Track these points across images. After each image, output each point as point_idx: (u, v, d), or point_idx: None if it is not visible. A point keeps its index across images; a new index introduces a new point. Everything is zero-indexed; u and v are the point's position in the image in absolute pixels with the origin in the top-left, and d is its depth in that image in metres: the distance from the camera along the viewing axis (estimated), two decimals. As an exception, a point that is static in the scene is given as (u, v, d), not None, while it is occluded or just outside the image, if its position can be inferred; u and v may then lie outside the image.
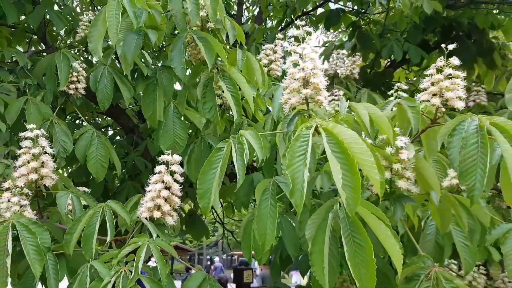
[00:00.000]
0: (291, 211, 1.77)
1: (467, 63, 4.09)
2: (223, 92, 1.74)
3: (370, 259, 1.02)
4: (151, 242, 1.41)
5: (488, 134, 1.09)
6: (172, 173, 1.51)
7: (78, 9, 4.27)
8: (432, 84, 1.32)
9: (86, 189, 2.04)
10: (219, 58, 1.71)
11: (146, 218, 1.52)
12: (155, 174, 1.54)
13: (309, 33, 1.32)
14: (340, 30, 4.36)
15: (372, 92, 3.06)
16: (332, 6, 4.22)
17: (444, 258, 1.42)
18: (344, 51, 3.37)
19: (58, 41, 3.58)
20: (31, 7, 2.87)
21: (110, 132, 4.64)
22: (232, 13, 5.71)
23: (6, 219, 1.45)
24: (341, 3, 3.77)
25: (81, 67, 2.64)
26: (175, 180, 1.53)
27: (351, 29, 3.91)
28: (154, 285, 1.37)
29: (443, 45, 1.40)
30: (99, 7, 4.49)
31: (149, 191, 1.53)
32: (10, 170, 1.82)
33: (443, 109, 1.30)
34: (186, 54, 1.90)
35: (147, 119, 1.89)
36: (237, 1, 5.33)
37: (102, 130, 4.60)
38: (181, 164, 2.07)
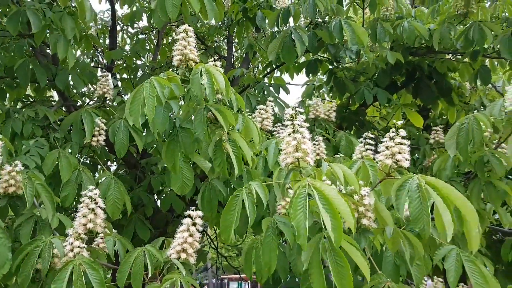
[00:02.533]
0: (281, 242, 2.27)
1: (430, 101, 4.72)
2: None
3: (348, 274, 1.54)
4: (182, 278, 1.88)
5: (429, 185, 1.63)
6: (194, 224, 2.00)
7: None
8: (386, 148, 1.86)
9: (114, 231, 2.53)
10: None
11: (175, 258, 2.01)
12: (182, 225, 2.01)
13: (299, 112, 1.85)
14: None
15: (348, 134, 3.62)
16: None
17: (399, 274, 1.94)
18: (320, 101, 3.93)
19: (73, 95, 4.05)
20: (55, 68, 3.36)
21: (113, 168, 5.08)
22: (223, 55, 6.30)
23: (72, 258, 1.92)
24: (320, 53, 4.36)
25: (102, 122, 3.12)
26: (197, 230, 2.01)
27: (328, 74, 4.50)
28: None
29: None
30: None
31: (178, 238, 2.01)
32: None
33: (395, 166, 1.84)
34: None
35: (169, 168, 2.37)
36: (227, 45, 5.93)
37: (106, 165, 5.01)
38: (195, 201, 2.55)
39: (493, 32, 3.65)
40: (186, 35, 2.36)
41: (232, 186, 2.89)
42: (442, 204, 1.53)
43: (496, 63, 4.55)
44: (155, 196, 4.54)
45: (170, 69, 4.63)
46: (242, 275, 7.51)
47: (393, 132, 1.87)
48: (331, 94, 4.97)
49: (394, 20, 4.18)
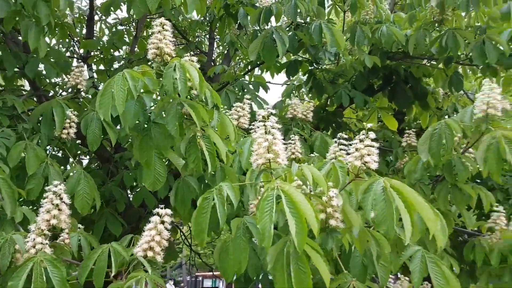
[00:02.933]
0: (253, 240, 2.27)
1: (405, 105, 4.81)
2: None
3: (308, 280, 1.56)
4: (147, 276, 1.86)
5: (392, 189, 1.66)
6: (163, 222, 1.98)
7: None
8: (356, 149, 1.88)
9: (81, 226, 2.49)
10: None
11: (141, 256, 1.99)
12: (150, 222, 1.99)
13: (272, 114, 1.86)
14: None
15: (323, 134, 3.65)
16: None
17: (366, 274, 1.97)
18: (298, 100, 3.96)
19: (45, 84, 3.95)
20: (25, 56, 3.27)
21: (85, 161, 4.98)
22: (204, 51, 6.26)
23: (33, 255, 1.87)
24: (300, 53, 4.39)
25: (74, 114, 3.05)
26: (165, 228, 1.99)
27: (307, 75, 4.53)
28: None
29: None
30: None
31: (145, 236, 1.98)
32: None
33: (364, 167, 1.86)
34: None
35: (143, 164, 2.34)
36: (208, 41, 5.89)
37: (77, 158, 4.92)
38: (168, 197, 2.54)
39: (466, 40, 3.74)
40: (162, 28, 2.33)
41: (206, 182, 2.88)
42: (403, 208, 1.57)
43: (468, 70, 4.66)
44: (128, 191, 4.48)
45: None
46: (216, 273, 7.51)
47: (363, 134, 1.89)
48: (310, 95, 5.01)
49: (373, 24, 4.24)
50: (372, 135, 1.88)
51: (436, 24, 4.12)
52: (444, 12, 3.97)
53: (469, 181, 3.16)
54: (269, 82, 5.70)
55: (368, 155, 1.85)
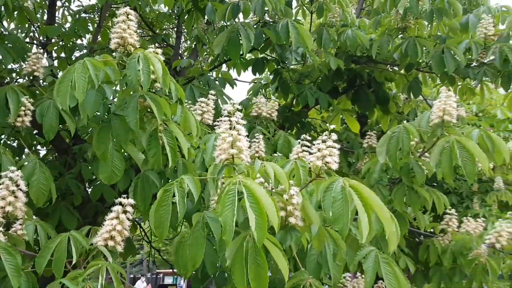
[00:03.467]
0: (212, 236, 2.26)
1: (367, 108, 4.93)
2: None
3: (265, 276, 1.57)
4: (108, 265, 1.82)
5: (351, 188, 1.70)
6: (125, 212, 1.94)
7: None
8: (318, 150, 1.91)
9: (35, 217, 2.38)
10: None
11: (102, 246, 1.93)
12: (112, 212, 1.94)
13: (238, 110, 1.85)
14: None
15: (286, 133, 3.68)
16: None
17: (320, 272, 2.01)
18: (263, 98, 3.97)
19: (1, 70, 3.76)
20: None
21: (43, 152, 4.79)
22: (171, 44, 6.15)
23: None
24: (268, 52, 4.40)
25: (29, 102, 2.92)
26: (127, 218, 1.95)
27: (274, 74, 4.56)
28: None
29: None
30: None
31: (106, 225, 1.94)
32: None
33: (325, 167, 1.89)
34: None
35: (99, 156, 2.27)
36: (176, 35, 5.80)
37: (34, 149, 4.73)
38: (127, 192, 2.48)
39: (425, 48, 3.88)
40: (126, 18, 2.27)
41: (167, 178, 2.83)
42: (361, 207, 1.60)
43: (428, 77, 4.84)
44: (86, 185, 4.35)
45: (114, 53, 4.44)
46: (176, 270, 7.40)
47: (325, 135, 1.92)
48: (276, 94, 5.04)
49: (339, 27, 4.31)
50: (334, 136, 1.92)
51: (400, 31, 4.24)
52: (407, 20, 4.09)
53: (426, 184, 3.28)
54: (236, 80, 5.69)
55: (330, 155, 1.88)
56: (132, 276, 25.03)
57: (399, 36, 4.37)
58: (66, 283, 1.73)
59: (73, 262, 1.87)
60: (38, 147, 4.85)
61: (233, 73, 5.04)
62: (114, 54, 2.39)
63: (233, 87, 4.34)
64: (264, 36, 3.77)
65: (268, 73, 5.03)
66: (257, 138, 3.09)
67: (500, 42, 3.79)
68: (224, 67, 5.36)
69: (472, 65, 4.10)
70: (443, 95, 2.90)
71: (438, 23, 4.17)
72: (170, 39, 6.33)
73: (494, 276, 3.15)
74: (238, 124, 1.83)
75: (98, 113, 2.55)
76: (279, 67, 4.49)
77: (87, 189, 4.27)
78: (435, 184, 5.99)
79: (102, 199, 3.87)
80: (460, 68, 3.87)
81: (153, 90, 2.38)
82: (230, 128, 1.82)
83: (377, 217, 1.78)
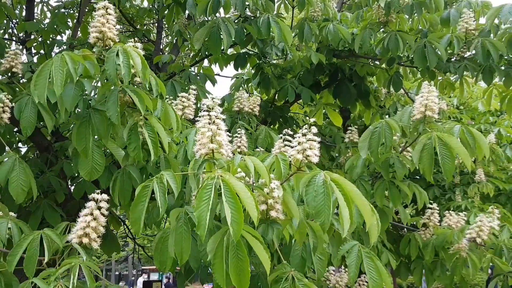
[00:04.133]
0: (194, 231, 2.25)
1: (349, 102, 4.96)
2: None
3: (247, 269, 1.57)
4: (81, 263, 1.80)
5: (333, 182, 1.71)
6: (99, 208, 1.91)
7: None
8: (299, 143, 1.91)
9: (13, 214, 2.33)
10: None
11: (76, 243, 1.91)
12: (86, 208, 1.91)
13: (218, 104, 1.84)
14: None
15: (268, 128, 3.68)
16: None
17: (305, 266, 2.02)
18: (244, 93, 3.97)
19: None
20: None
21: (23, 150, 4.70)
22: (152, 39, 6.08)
23: None
24: (249, 47, 4.39)
25: (7, 98, 2.85)
26: (102, 214, 1.93)
27: (255, 69, 4.55)
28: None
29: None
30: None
31: (80, 222, 1.91)
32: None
33: (305, 161, 1.90)
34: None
35: (80, 152, 2.24)
36: (157, 30, 5.73)
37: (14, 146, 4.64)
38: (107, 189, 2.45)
39: (407, 43, 3.91)
40: (105, 12, 2.23)
41: (149, 173, 2.81)
42: (343, 201, 1.61)
43: (409, 71, 4.89)
44: (69, 182, 4.29)
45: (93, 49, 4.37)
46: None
47: (306, 129, 1.93)
48: (258, 89, 5.04)
49: (321, 22, 4.32)
50: (314, 129, 1.92)
51: (381, 26, 4.27)
52: (389, 14, 4.12)
53: (409, 178, 3.30)
54: (218, 75, 5.66)
55: (310, 149, 1.88)
56: (117, 273, 24.84)
57: (381, 30, 4.40)
58: (37, 282, 1.71)
59: (45, 261, 1.84)
60: (19, 145, 4.76)
61: (215, 68, 5.03)
62: (93, 49, 2.35)
63: (214, 84, 4.32)
64: (245, 31, 3.75)
65: (250, 68, 5.03)
66: (239, 133, 3.08)
67: (482, 36, 3.84)
68: (206, 63, 5.33)
69: (452, 59, 4.16)
70: (425, 90, 2.90)
71: (418, 17, 4.20)
72: (151, 34, 6.27)
73: (475, 270, 3.20)
74: (218, 118, 1.83)
75: (79, 109, 2.51)
76: (261, 62, 4.49)
77: (69, 186, 4.22)
78: (418, 177, 6.08)
79: (85, 196, 3.82)
80: (441, 62, 3.91)
81: (134, 85, 2.36)
82: (210, 123, 1.81)
83: (358, 211, 1.80)
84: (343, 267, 3.39)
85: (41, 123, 2.86)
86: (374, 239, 1.89)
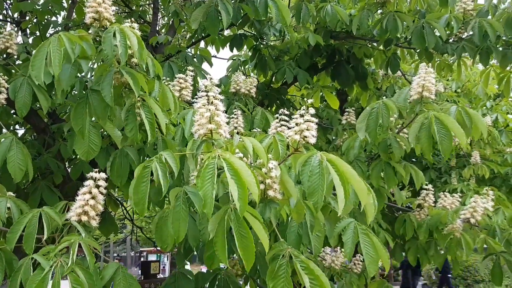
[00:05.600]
0: (193, 210, 2.27)
1: (346, 84, 4.96)
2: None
3: (251, 245, 1.60)
4: (81, 240, 1.82)
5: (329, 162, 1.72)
6: (98, 186, 1.93)
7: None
8: (296, 124, 1.92)
9: (12, 193, 2.35)
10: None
11: (75, 221, 1.93)
12: (84, 186, 1.93)
13: (215, 84, 1.85)
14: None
15: (265, 110, 3.68)
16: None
17: (301, 243, 2.05)
18: (241, 75, 3.95)
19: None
20: None
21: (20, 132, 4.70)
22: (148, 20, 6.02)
23: None
24: (247, 28, 4.35)
25: (3, 79, 2.84)
26: (100, 192, 1.94)
27: (252, 51, 4.52)
28: (83, 271, 1.80)
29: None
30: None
31: (79, 200, 1.93)
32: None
33: (303, 141, 1.91)
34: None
35: (76, 132, 2.24)
36: (153, 11, 5.67)
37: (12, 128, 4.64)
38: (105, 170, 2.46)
39: (405, 23, 3.89)
40: (101, -9, 2.21)
41: (146, 154, 2.82)
42: (338, 181, 1.63)
43: (406, 53, 4.87)
44: (67, 164, 4.30)
45: (89, 30, 4.32)
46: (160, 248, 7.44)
47: (303, 110, 1.94)
48: (256, 71, 5.02)
49: (319, 2, 4.28)
50: (312, 111, 1.93)
51: (379, 6, 4.24)
52: (386, -6, 4.09)
53: (405, 160, 3.33)
54: (215, 57, 5.63)
55: (307, 130, 1.90)
56: (116, 255, 25.07)
57: (379, 12, 4.36)
58: (37, 258, 1.74)
59: (44, 238, 1.87)
60: (16, 127, 4.76)
61: (212, 50, 5.00)
62: (89, 30, 2.33)
63: (211, 65, 4.29)
64: (242, 11, 3.71)
65: (247, 50, 5.00)
66: (235, 114, 3.09)
67: (479, 17, 3.82)
68: (202, 44, 5.29)
69: (450, 40, 4.14)
70: (423, 71, 2.90)
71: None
72: (147, 15, 6.19)
73: (469, 250, 3.25)
74: (216, 99, 1.83)
75: (75, 91, 2.51)
76: (258, 43, 4.46)
77: (67, 168, 4.23)
78: (414, 160, 6.12)
79: (83, 177, 3.83)
80: (439, 43, 3.89)
81: (131, 66, 2.35)
82: (208, 103, 1.82)
83: (354, 191, 1.82)
84: (339, 248, 3.45)
85: (38, 105, 2.86)
86: (371, 218, 1.91)
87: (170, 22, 5.31)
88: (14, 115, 4.05)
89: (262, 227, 1.65)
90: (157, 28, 5.98)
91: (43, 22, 4.68)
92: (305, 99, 5.65)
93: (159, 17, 6.00)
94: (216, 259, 1.83)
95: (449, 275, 11.66)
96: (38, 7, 4.56)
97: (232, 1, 3.87)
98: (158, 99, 2.31)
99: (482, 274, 12.22)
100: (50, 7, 4.65)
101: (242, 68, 5.20)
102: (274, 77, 4.84)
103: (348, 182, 1.70)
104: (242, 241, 1.61)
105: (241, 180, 1.54)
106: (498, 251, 3.17)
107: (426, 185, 3.59)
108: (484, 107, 6.56)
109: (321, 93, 4.94)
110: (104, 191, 1.96)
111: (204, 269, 3.77)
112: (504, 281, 3.22)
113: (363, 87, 4.97)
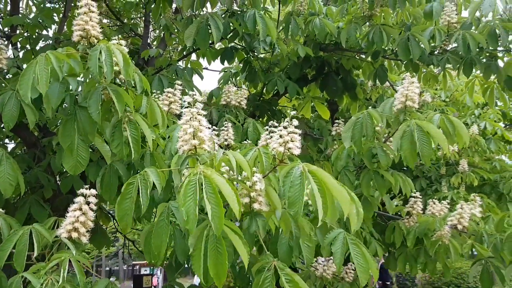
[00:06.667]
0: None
1: (335, 95, 5.02)
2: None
3: (225, 262, 1.63)
4: (71, 257, 1.84)
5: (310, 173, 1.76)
6: (88, 203, 1.95)
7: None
8: (280, 136, 1.96)
9: (0, 209, 2.36)
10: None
11: (65, 238, 1.95)
12: (75, 203, 1.95)
13: (197, 101, 1.88)
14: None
15: (256, 121, 3.73)
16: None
17: (292, 254, 2.08)
18: (232, 87, 4.00)
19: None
20: None
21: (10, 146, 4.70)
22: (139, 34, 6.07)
23: None
24: (236, 41, 4.42)
25: (-7, 93, 2.86)
26: (91, 209, 1.97)
27: (243, 63, 4.58)
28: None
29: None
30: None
31: (69, 217, 1.95)
32: None
33: (287, 153, 1.95)
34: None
35: (65, 149, 2.27)
36: (144, 24, 5.73)
37: (2, 143, 4.64)
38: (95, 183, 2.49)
39: (391, 36, 3.96)
40: (88, 9, 2.25)
41: (137, 170, 2.84)
42: (317, 192, 1.67)
43: (393, 64, 4.95)
44: (57, 178, 4.30)
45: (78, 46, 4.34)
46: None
47: (287, 121, 1.98)
48: (247, 83, 5.07)
49: (308, 15, 4.36)
50: (295, 122, 1.97)
51: (366, 19, 4.32)
52: (373, 7, 4.17)
53: (395, 169, 3.36)
54: (207, 69, 5.68)
55: (292, 141, 1.94)
56: (108, 269, 24.84)
57: (367, 24, 4.44)
58: (28, 276, 1.75)
59: (34, 255, 1.88)
60: (6, 141, 4.76)
61: (204, 62, 5.04)
62: (78, 47, 2.37)
63: (202, 78, 4.34)
64: (232, 25, 3.78)
65: (239, 62, 5.05)
66: (225, 126, 3.13)
67: (463, 29, 3.90)
68: (194, 57, 5.34)
69: (435, 52, 4.22)
70: (406, 81, 2.98)
71: (402, 10, 4.25)
72: (138, 28, 6.25)
73: (457, 255, 3.29)
74: (199, 114, 1.87)
75: (66, 105, 2.54)
76: (248, 56, 4.52)
77: (57, 181, 4.23)
78: (404, 168, 6.18)
79: (73, 191, 3.84)
80: (424, 55, 3.97)
81: (119, 82, 2.38)
82: (191, 119, 1.85)
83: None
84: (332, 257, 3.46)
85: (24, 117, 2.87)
86: (354, 227, 1.94)
87: (162, 35, 5.37)
88: (4, 129, 4.06)
89: (241, 242, 1.68)
90: (149, 41, 6.04)
91: (34, 36, 4.71)
92: (296, 110, 5.70)
93: (150, 30, 6.06)
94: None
95: (388, 283, 11.78)
96: (28, 21, 4.60)
97: (223, 16, 3.94)
98: (146, 114, 2.34)
99: (471, 280, 12.23)
100: (40, 21, 4.69)
101: (234, 80, 5.25)
102: (265, 88, 4.90)
103: (330, 192, 1.73)
104: (217, 258, 1.64)
105: (218, 198, 1.57)
106: (486, 257, 3.20)
107: (414, 192, 3.64)
108: (473, 115, 6.65)
109: (312, 104, 5.00)
110: (95, 207, 1.98)
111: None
112: (495, 288, 3.25)
113: (353, 98, 5.04)
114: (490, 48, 3.80)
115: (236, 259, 2.33)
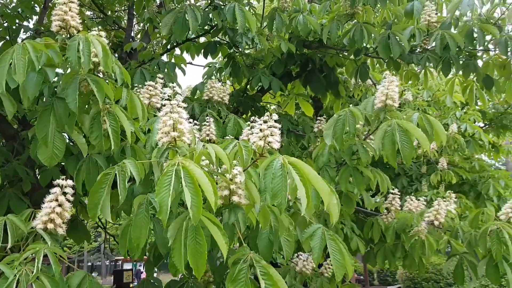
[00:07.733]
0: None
1: (319, 92, 5.05)
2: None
3: (204, 253, 1.63)
4: (46, 248, 1.82)
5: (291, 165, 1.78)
6: (65, 193, 1.93)
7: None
8: (260, 130, 1.97)
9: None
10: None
11: (41, 229, 1.92)
12: (50, 194, 1.93)
13: (177, 93, 1.88)
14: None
15: (238, 117, 3.73)
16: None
17: (272, 248, 2.09)
18: (215, 82, 4.00)
19: None
20: None
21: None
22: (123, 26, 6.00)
23: None
24: (221, 36, 4.41)
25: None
26: (67, 200, 1.95)
27: (227, 59, 4.57)
28: (49, 279, 1.79)
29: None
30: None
31: (45, 207, 1.93)
32: None
33: (267, 147, 1.96)
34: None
35: (39, 140, 2.23)
36: (127, 17, 5.67)
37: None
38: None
39: (372, 34, 4.01)
40: (68, 0, 2.22)
41: (116, 162, 2.81)
42: (300, 182, 1.68)
43: (376, 62, 5.01)
44: (37, 171, 4.24)
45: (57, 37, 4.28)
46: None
47: (267, 115, 1.99)
48: (231, 78, 5.07)
49: (292, 12, 4.37)
50: (275, 116, 1.99)
51: (348, 18, 4.36)
52: (354, 5, 4.21)
53: (377, 167, 3.40)
54: (191, 63, 5.65)
55: (271, 135, 1.95)
56: (90, 264, 24.58)
57: (349, 22, 4.48)
58: (1, 267, 1.72)
59: (8, 247, 1.86)
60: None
61: (188, 57, 5.03)
62: (56, 37, 2.34)
63: (184, 72, 4.32)
64: (213, 18, 3.76)
65: (223, 57, 5.04)
66: (207, 121, 3.12)
67: (442, 29, 3.97)
68: (178, 51, 5.31)
69: (416, 51, 4.28)
70: (386, 80, 3.01)
71: (383, 8, 4.30)
72: (122, 21, 6.18)
73: (431, 251, 3.35)
74: (179, 107, 1.87)
75: (42, 96, 2.50)
76: (232, 51, 4.52)
77: (37, 175, 4.17)
78: (386, 167, 6.26)
79: (52, 185, 3.78)
80: (404, 53, 4.02)
81: (99, 74, 2.35)
82: (171, 111, 1.85)
83: (317, 193, 1.86)
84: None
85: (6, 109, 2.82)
86: (335, 218, 1.97)
87: (146, 28, 5.33)
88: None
89: (220, 233, 1.68)
90: (132, 34, 5.98)
91: (14, 27, 4.62)
92: (280, 106, 5.72)
93: (134, 23, 6.00)
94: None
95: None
96: (8, 11, 4.51)
97: (206, 9, 3.92)
98: (126, 106, 2.33)
99: (445, 273, 12.46)
100: (20, 12, 4.61)
101: (218, 75, 5.24)
102: (249, 85, 4.90)
103: (310, 184, 1.74)
104: (196, 248, 1.63)
105: (196, 188, 1.57)
106: (461, 252, 3.28)
107: (393, 189, 3.69)
108: (454, 117, 6.77)
109: (296, 101, 5.02)
110: (71, 198, 1.96)
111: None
112: (472, 284, 3.32)
113: (336, 95, 5.08)
114: (470, 47, 3.87)
115: (217, 253, 2.34)
